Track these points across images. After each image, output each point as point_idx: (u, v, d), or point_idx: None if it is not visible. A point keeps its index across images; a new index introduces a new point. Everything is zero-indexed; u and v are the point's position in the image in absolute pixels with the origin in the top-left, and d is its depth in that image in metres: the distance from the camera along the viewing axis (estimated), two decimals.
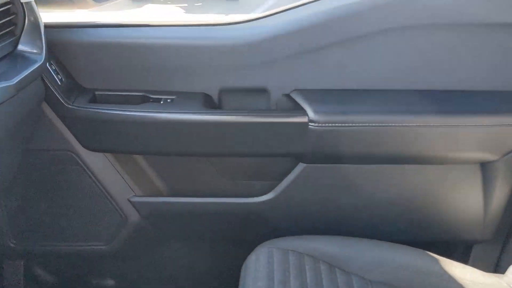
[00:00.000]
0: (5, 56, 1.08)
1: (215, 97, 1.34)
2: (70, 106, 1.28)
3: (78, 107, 1.29)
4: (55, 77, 1.27)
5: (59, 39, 1.29)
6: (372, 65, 1.29)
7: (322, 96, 1.29)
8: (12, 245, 1.49)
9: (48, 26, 1.25)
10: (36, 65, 1.10)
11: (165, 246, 1.57)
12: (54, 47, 1.28)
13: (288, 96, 1.31)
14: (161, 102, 1.31)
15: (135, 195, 1.42)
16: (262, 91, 1.32)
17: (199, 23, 1.34)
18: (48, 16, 1.28)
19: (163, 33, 1.33)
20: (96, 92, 1.34)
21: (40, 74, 1.16)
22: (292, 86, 1.31)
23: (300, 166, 1.32)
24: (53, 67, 1.27)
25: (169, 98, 1.31)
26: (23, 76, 1.02)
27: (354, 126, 1.24)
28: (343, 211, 1.39)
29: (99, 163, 1.38)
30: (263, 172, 1.42)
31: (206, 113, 1.26)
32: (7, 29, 1.10)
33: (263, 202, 1.38)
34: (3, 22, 1.07)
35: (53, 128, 1.32)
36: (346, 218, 1.40)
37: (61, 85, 1.28)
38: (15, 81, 0.99)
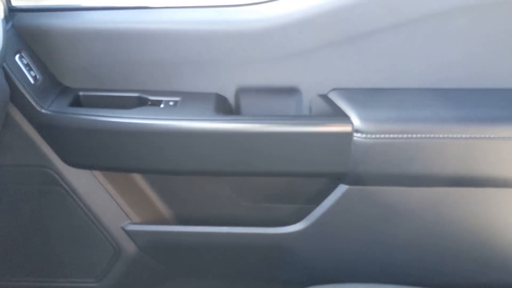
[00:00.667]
0: None
1: (230, 98, 1.15)
2: (45, 111, 1.07)
3: (56, 112, 1.08)
4: (26, 73, 1.06)
5: (33, 25, 1.10)
6: (439, 56, 1.07)
7: (370, 98, 1.08)
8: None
9: (18, 9, 1.10)
10: None
11: (168, 284, 1.40)
12: (27, 36, 1.09)
13: (325, 97, 1.11)
14: (162, 106, 1.12)
15: (131, 223, 1.24)
16: (291, 91, 1.14)
17: (211, 4, 1.14)
18: None
19: (165, 16, 1.12)
20: (80, 93, 1.14)
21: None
22: (330, 84, 1.12)
23: (341, 189, 1.10)
24: (24, 61, 1.07)
25: (171, 101, 1.12)
26: None
27: (414, 138, 1.01)
28: (398, 248, 1.17)
29: (85, 183, 1.19)
30: (292, 194, 1.22)
31: (220, 120, 1.06)
32: None
33: (293, 234, 1.17)
34: None
35: (24, 138, 1.12)
36: (402, 258, 1.18)
37: (34, 84, 1.07)
38: None
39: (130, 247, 1.25)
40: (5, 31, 0.95)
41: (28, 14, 1.10)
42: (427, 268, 1.19)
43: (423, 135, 1.00)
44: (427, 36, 1.04)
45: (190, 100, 1.11)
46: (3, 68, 0.98)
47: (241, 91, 1.14)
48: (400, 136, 1.00)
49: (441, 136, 0.99)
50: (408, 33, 1.04)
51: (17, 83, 1.02)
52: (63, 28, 1.10)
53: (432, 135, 1.00)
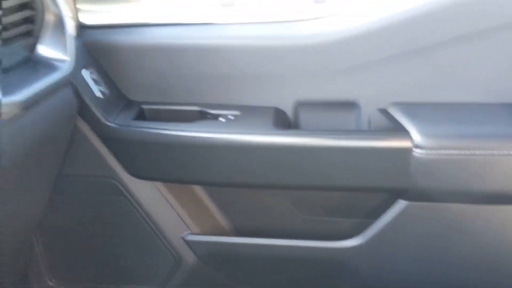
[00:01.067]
0: (20, 63, 0.88)
1: (289, 112, 1.14)
2: (110, 124, 1.10)
3: (121, 125, 1.10)
4: (94, 88, 1.09)
5: (101, 42, 1.13)
6: (500, 70, 1.03)
7: (430, 112, 1.05)
8: (51, 284, 1.36)
9: (86, 26, 1.13)
10: (58, 75, 0.90)
11: None
12: (94, 51, 1.13)
13: (384, 111, 1.08)
14: (222, 119, 1.12)
15: (191, 233, 1.24)
16: (350, 105, 1.11)
17: (270, 20, 1.13)
18: (88, 13, 1.15)
19: (226, 32, 1.13)
20: (144, 106, 1.17)
21: (66, 85, 0.97)
22: (389, 98, 1.09)
23: (400, 204, 1.06)
24: (92, 76, 1.10)
25: (231, 114, 1.12)
26: (35, 90, 0.82)
27: (477, 155, 0.96)
28: (457, 266, 1.12)
29: (148, 194, 1.20)
30: (350, 208, 1.19)
31: (278, 134, 1.05)
32: (24, 29, 0.90)
33: (350, 248, 1.14)
34: (18, 19, 0.88)
35: (91, 150, 1.15)
36: (461, 276, 1.13)
37: (101, 98, 1.10)
38: (24, 97, 0.79)
39: (190, 257, 1.25)
40: (76, 48, 0.99)
41: (96, 30, 1.13)
42: (495, 285, 1.13)
43: (485, 152, 0.95)
44: (488, 50, 1.00)
45: (249, 113, 1.11)
46: (72, 83, 1.01)
47: (300, 105, 1.12)
48: (461, 152, 0.96)
49: (505, 152, 0.95)
50: (469, 47, 1.01)
51: (85, 97, 1.05)
52: (128, 44, 1.12)
53: (495, 152, 0.95)
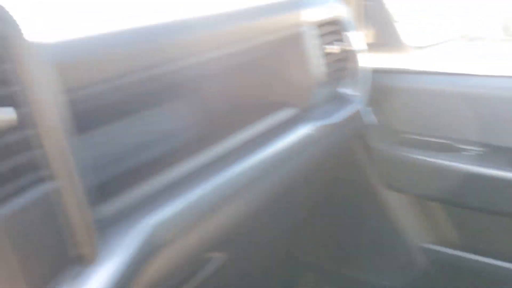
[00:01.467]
0: (331, 98, 1.22)
1: None
2: (377, 146, 1.38)
3: (386, 147, 1.37)
4: (370, 117, 1.36)
5: (375, 83, 1.38)
6: None
7: None
8: (307, 260, 1.66)
9: (377, 70, 1.38)
10: (356, 108, 1.22)
11: None
12: (377, 90, 1.38)
13: None
14: (469, 153, 1.30)
15: (427, 242, 1.43)
16: None
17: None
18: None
19: (478, 82, 1.30)
20: (403, 135, 1.40)
21: (359, 115, 1.27)
22: None
23: None
24: (369, 108, 1.36)
25: (476, 150, 1.29)
26: (343, 117, 1.15)
27: None
28: None
29: (396, 203, 1.44)
30: None
31: None
32: (339, 74, 1.23)
33: None
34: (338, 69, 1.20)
35: (361, 164, 1.43)
36: None
37: (373, 126, 1.38)
38: (336, 121, 1.13)
39: (422, 263, 1.43)
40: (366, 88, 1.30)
41: (376, 74, 1.38)
42: None
43: None
44: None
45: (491, 151, 1.26)
46: (360, 113, 1.29)
47: None
48: None
49: None
50: None
51: (363, 124, 1.32)
52: (395, 86, 1.38)
53: None
